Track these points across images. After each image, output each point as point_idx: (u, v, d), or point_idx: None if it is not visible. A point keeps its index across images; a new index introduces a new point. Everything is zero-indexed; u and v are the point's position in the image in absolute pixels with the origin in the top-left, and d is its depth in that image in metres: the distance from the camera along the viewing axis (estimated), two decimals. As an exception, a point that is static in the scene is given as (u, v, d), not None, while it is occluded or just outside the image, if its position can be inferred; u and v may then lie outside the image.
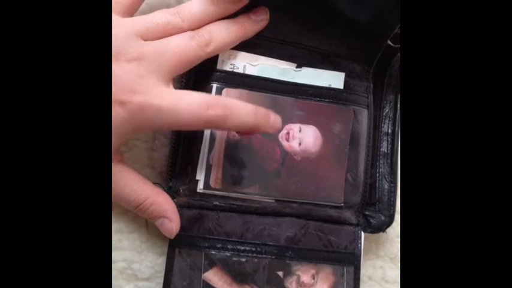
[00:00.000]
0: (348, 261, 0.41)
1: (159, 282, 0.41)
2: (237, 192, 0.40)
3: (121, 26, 0.35)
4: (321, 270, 0.41)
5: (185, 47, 0.36)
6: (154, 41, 0.36)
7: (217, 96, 0.38)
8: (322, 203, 0.41)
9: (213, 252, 0.39)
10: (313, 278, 0.40)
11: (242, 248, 0.40)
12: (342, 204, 0.42)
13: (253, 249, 0.40)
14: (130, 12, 0.38)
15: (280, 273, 0.40)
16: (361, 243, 0.42)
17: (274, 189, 0.41)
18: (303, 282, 0.40)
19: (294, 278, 0.40)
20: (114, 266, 0.41)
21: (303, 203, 0.41)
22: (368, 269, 0.45)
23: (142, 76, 0.34)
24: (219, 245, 0.40)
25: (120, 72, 0.34)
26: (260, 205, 0.41)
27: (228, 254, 0.39)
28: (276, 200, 0.41)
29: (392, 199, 0.44)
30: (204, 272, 0.39)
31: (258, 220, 0.41)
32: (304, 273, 0.40)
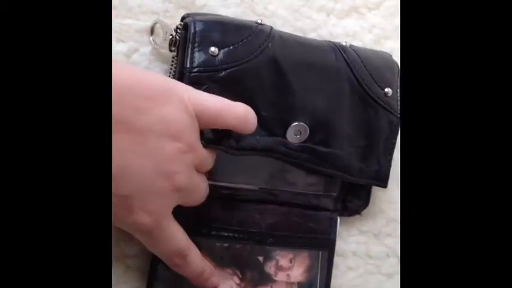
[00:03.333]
0: (323, 245, 0.44)
1: (147, 259, 0.43)
2: (223, 182, 0.42)
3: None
4: (298, 255, 0.44)
5: None
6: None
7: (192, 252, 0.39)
8: (303, 191, 0.44)
9: (198, 237, 0.41)
10: (291, 262, 0.43)
11: (226, 234, 0.42)
12: (322, 193, 0.44)
13: (236, 235, 0.42)
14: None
15: (261, 258, 0.43)
16: (336, 228, 0.45)
17: (259, 179, 0.43)
18: (281, 266, 0.43)
19: (273, 262, 0.43)
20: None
21: (284, 191, 0.43)
22: (351, 244, 0.47)
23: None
24: (204, 231, 0.42)
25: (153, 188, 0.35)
26: (244, 193, 0.43)
27: (212, 239, 0.42)
28: (259, 188, 0.43)
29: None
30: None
31: (242, 207, 0.43)
32: (283, 258, 0.43)
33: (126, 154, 0.32)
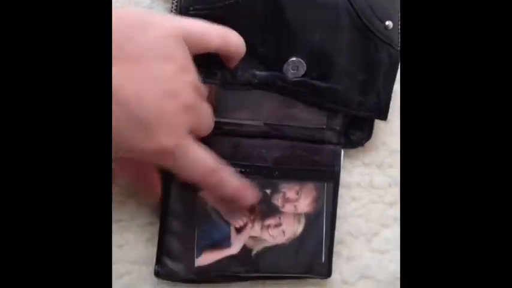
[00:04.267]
0: (328, 177, 0.46)
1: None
2: (227, 118, 0.43)
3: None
4: (304, 187, 0.45)
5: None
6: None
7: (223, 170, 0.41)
8: (307, 126, 0.45)
9: (207, 173, 0.43)
10: (297, 194, 0.45)
11: (233, 168, 0.44)
12: (325, 127, 0.45)
13: (243, 170, 0.44)
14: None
15: (268, 191, 0.45)
16: (340, 160, 0.46)
17: (263, 114, 0.44)
18: (288, 198, 0.45)
19: (280, 194, 0.45)
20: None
21: (288, 125, 0.45)
22: (356, 176, 0.49)
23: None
24: (212, 167, 0.43)
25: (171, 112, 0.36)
26: (249, 128, 0.44)
27: None
28: (264, 124, 0.44)
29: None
30: (199, 192, 0.43)
31: (247, 142, 0.44)
32: (289, 190, 0.45)
33: (133, 81, 0.34)
